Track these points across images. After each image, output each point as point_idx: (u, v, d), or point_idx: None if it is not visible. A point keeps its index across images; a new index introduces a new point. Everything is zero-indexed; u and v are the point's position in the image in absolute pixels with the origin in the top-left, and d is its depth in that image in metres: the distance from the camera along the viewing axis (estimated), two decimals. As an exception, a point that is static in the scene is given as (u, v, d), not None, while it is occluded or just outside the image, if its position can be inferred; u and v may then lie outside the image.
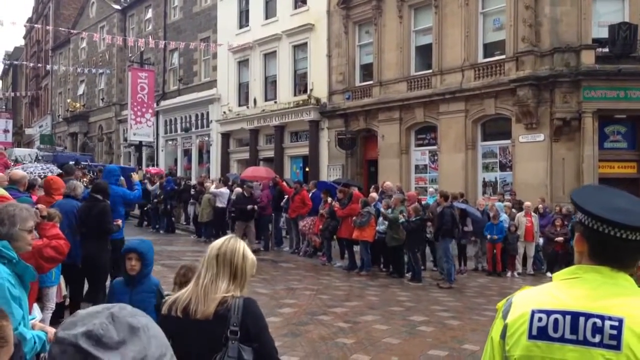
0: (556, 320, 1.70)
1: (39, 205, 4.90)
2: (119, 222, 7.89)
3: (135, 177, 10.44)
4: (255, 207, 15.38)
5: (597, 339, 1.65)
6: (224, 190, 17.55)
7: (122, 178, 9.63)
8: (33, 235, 3.42)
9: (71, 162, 17.15)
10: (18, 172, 7.56)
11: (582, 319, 1.68)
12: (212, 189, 17.70)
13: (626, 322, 1.64)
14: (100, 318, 1.30)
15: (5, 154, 17.38)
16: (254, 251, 10.85)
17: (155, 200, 19.76)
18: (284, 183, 16.94)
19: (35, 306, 3.91)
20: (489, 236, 14.04)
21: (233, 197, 16.52)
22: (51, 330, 3.29)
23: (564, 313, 1.70)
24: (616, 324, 1.65)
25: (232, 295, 2.64)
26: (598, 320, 1.66)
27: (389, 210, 12.86)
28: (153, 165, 33.26)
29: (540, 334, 1.72)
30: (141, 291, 4.22)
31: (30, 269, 3.13)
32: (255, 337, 2.63)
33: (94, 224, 7.21)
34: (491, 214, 14.37)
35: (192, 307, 2.62)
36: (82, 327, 1.29)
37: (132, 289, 4.24)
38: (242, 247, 2.76)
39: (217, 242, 2.77)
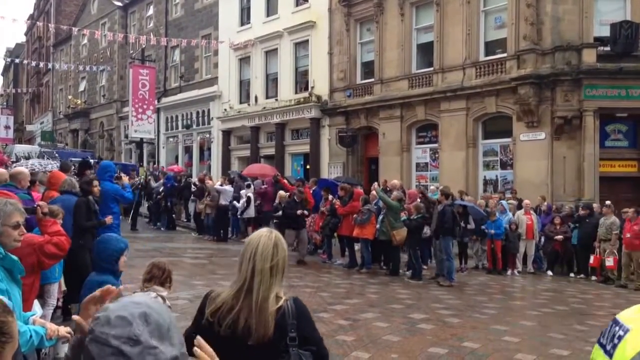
0: None
1: (40, 203, 4.90)
2: (110, 218, 7.83)
3: (125, 179, 10.37)
4: (306, 212, 14.02)
5: None
6: (228, 187, 17.62)
7: (124, 175, 9.63)
8: (21, 231, 3.40)
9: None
10: (18, 169, 7.57)
11: None
12: (217, 186, 17.77)
13: None
14: (134, 317, 1.32)
15: (1, 151, 17.39)
16: (299, 262, 10.67)
17: (158, 197, 19.78)
18: (285, 181, 16.92)
19: (36, 302, 3.92)
20: (487, 231, 14.06)
21: (277, 202, 15.15)
22: (51, 327, 3.30)
23: None
24: None
25: (284, 298, 2.51)
26: None
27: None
28: (155, 163, 33.29)
29: None
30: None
31: (17, 263, 3.13)
32: (310, 339, 2.52)
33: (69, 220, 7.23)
34: (489, 211, 14.39)
35: (243, 325, 2.41)
36: (120, 326, 1.31)
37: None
38: (283, 242, 2.59)
39: (265, 249, 2.49)
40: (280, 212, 14.47)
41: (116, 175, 11.22)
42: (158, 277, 4.27)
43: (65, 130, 47.26)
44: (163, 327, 1.36)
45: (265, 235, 2.54)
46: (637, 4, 16.87)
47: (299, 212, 13.79)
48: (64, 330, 3.38)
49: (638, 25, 16.18)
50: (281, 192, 15.42)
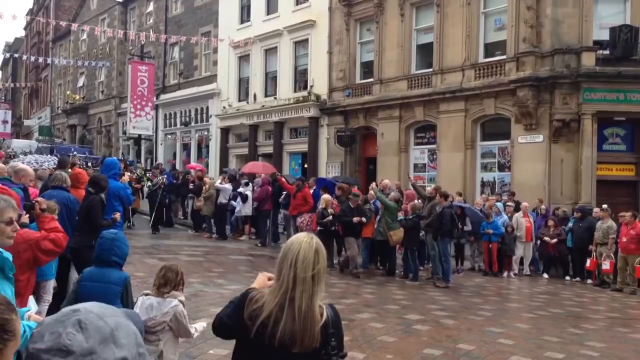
0: None
1: (39, 199, 4.89)
2: (117, 215, 7.79)
3: (126, 178, 10.23)
4: (364, 219, 12.52)
5: None
6: (227, 186, 17.62)
7: (128, 174, 9.49)
8: (14, 227, 3.39)
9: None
10: (22, 166, 7.56)
11: None
12: (217, 184, 17.76)
13: None
14: (67, 327, 1.28)
15: None
16: (354, 274, 10.18)
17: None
18: (283, 179, 16.89)
19: (31, 298, 3.92)
20: (485, 232, 14.08)
21: (330, 210, 13.08)
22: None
23: None
24: None
25: (325, 308, 2.50)
26: None
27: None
28: (152, 160, 33.22)
29: None
30: (107, 281, 4.23)
31: (8, 260, 3.11)
32: (341, 345, 2.54)
33: (82, 217, 7.21)
34: (486, 213, 14.41)
35: (287, 335, 2.39)
36: (50, 340, 1.27)
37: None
38: (323, 248, 2.54)
39: (306, 256, 2.45)
40: (329, 218, 12.92)
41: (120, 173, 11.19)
42: (173, 280, 4.31)
43: (63, 125, 47.19)
44: (104, 330, 1.31)
45: (305, 241, 2.49)
46: (637, 8, 16.90)
47: (355, 219, 12.34)
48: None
49: (637, 29, 16.19)
50: (326, 196, 13.64)
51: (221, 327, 2.63)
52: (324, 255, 2.51)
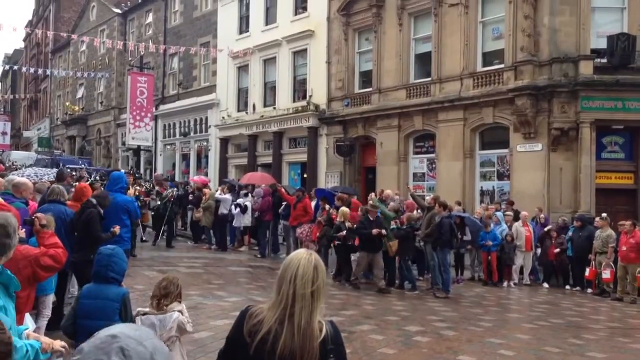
0: None
1: (38, 215, 4.89)
2: (117, 228, 7.76)
3: (131, 192, 10.18)
4: (383, 231, 12.04)
5: None
6: (227, 196, 17.63)
7: (137, 187, 9.39)
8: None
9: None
10: (22, 179, 7.57)
11: None
12: (218, 194, 17.77)
13: None
14: (110, 355, 1.28)
15: None
16: (381, 290, 10.07)
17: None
18: (283, 190, 16.85)
19: (27, 316, 3.91)
20: (484, 243, 14.07)
21: (349, 224, 12.68)
22: (45, 340, 3.29)
23: None
24: None
25: (324, 324, 2.49)
26: None
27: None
28: (152, 171, 33.19)
29: None
30: (104, 298, 4.24)
31: (14, 279, 3.12)
32: None
33: (81, 230, 7.21)
34: (485, 222, 14.40)
35: (286, 352, 2.38)
36: None
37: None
38: (322, 264, 2.53)
39: (305, 272, 2.45)
40: (343, 232, 12.59)
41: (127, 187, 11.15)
42: (173, 292, 4.37)
43: (63, 136, 47.20)
44: (145, 355, 1.32)
45: (304, 258, 2.49)
46: (634, 17, 16.96)
47: (374, 231, 11.90)
48: (58, 344, 3.38)
49: (635, 37, 16.25)
50: (343, 209, 13.19)
51: (224, 353, 2.63)
52: (323, 272, 2.51)
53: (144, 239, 17.75)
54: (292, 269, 2.46)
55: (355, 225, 12.60)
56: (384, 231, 12.01)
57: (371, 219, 12.23)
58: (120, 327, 1.41)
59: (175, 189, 18.97)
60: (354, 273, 12.51)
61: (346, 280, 12.64)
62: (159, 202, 17.99)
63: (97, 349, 1.32)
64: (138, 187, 15.82)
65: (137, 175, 24.68)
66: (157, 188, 19.06)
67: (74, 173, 18.02)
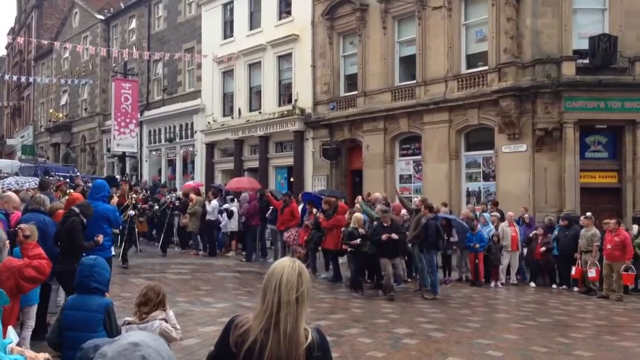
0: None
1: (22, 226, 4.84)
2: (100, 237, 7.71)
3: (115, 200, 10.11)
4: (394, 235, 11.68)
5: None
6: (214, 202, 17.55)
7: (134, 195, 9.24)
8: None
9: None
10: (8, 194, 7.49)
11: None
12: (207, 203, 17.63)
13: None
14: None
15: None
16: (390, 298, 10.56)
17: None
18: (270, 194, 16.77)
19: (10, 328, 3.86)
20: (471, 245, 14.12)
21: (362, 230, 12.20)
22: (30, 354, 3.26)
23: None
24: None
25: (310, 331, 2.49)
26: None
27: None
28: (137, 177, 32.95)
29: None
30: (87, 310, 4.21)
31: (3, 294, 3.08)
32: None
33: (64, 239, 7.16)
34: (470, 225, 14.45)
35: (272, 358, 2.39)
36: None
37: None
38: (306, 271, 2.54)
39: (290, 279, 2.45)
40: (357, 240, 12.04)
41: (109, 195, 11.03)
42: (153, 300, 4.30)
43: (47, 144, 46.80)
44: None
45: (288, 265, 2.50)
46: (615, 17, 17.16)
47: (384, 237, 11.57)
48: (42, 357, 3.34)
49: (616, 38, 16.44)
50: (357, 215, 12.58)
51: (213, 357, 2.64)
52: (307, 278, 2.51)
53: (141, 251, 17.16)
54: (276, 277, 2.46)
55: (369, 232, 12.15)
56: (394, 235, 11.65)
57: (385, 225, 11.85)
58: (141, 335, 1.46)
59: (173, 195, 18.86)
60: (385, 285, 11.72)
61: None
62: (156, 208, 17.94)
63: (120, 355, 1.35)
64: (135, 195, 15.55)
65: (133, 182, 24.20)
66: (155, 195, 19.02)
67: (67, 181, 17.70)
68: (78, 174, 23.46)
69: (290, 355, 2.39)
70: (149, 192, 20.67)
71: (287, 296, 2.42)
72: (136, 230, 15.43)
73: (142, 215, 16.42)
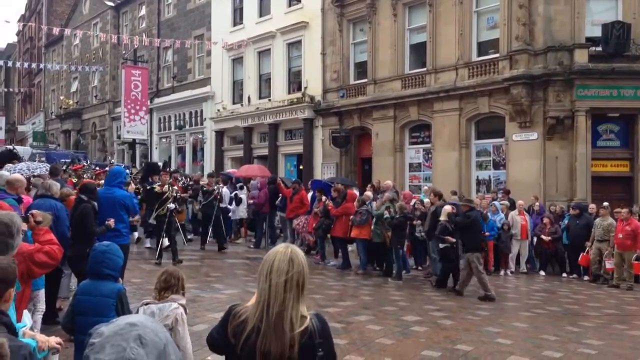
0: None
1: (33, 211, 4.85)
2: (112, 221, 7.75)
3: (132, 187, 10.05)
4: (451, 238, 11.24)
5: None
6: (225, 190, 17.45)
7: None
8: None
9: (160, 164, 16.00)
10: (15, 175, 7.52)
11: None
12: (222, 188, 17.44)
13: None
14: (129, 341, 1.32)
15: None
16: (489, 298, 10.23)
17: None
18: (281, 183, 16.67)
19: (26, 312, 3.89)
20: (482, 233, 14.07)
21: (443, 219, 11.45)
22: (41, 338, 3.28)
23: None
24: None
25: (309, 317, 2.47)
26: None
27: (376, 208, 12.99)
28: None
29: None
30: (99, 295, 4.22)
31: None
32: (330, 355, 2.52)
33: (76, 225, 7.20)
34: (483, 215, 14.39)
35: (264, 346, 2.38)
36: (113, 352, 1.30)
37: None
38: (300, 257, 2.50)
39: (280, 264, 2.44)
40: (453, 240, 11.30)
41: (127, 181, 10.93)
42: (175, 285, 4.32)
43: (57, 130, 47.01)
44: (159, 345, 1.37)
45: (280, 252, 2.49)
46: (628, 4, 16.95)
47: (447, 239, 11.19)
48: (54, 340, 3.37)
49: (630, 25, 16.25)
50: (447, 207, 11.77)
51: (212, 343, 2.63)
52: (299, 263, 2.47)
53: (188, 238, 16.61)
54: (268, 264, 2.46)
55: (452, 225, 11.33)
56: (453, 239, 11.12)
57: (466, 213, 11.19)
58: (138, 317, 1.47)
59: (221, 185, 16.92)
60: (483, 286, 10.83)
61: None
62: (201, 199, 16.27)
63: (116, 335, 1.37)
64: (175, 187, 13.59)
65: (175, 170, 21.97)
66: (201, 183, 17.11)
67: (84, 164, 17.60)
68: (88, 161, 23.42)
69: (277, 339, 2.37)
70: (189, 178, 19.57)
71: (276, 279, 2.41)
72: (177, 222, 14.07)
73: (182, 204, 14.96)
